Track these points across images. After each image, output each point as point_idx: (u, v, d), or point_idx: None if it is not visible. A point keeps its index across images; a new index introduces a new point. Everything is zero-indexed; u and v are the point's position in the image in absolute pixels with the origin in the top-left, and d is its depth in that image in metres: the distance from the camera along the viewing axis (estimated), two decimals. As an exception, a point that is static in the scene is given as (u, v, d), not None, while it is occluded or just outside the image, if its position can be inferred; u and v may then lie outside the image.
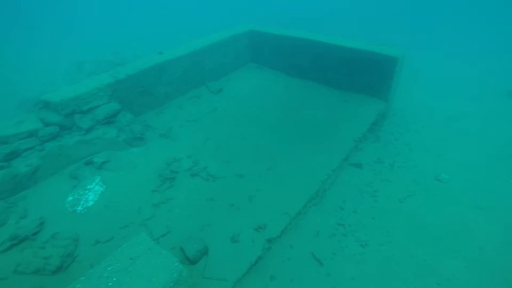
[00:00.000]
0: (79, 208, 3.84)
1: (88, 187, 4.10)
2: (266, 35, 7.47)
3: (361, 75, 6.35)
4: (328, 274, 3.53)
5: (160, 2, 18.22)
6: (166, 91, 6.27)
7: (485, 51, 11.07)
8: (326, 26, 13.95)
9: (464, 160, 5.37)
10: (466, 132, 6.24)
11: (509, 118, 6.77)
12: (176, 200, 4.09)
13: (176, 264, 2.40)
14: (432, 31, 13.47)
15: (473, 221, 4.16)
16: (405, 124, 6.56)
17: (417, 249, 3.74)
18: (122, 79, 5.45)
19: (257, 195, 4.14)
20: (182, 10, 17.42)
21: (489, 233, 3.98)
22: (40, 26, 13.97)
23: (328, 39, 6.61)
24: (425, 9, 16.11)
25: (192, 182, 4.37)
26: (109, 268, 2.37)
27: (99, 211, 3.91)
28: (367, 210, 4.33)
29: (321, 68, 6.90)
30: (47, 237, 3.46)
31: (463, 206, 4.39)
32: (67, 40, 12.17)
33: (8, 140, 4.36)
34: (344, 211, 4.30)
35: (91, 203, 3.94)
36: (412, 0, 17.03)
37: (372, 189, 4.71)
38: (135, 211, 3.92)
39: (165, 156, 4.88)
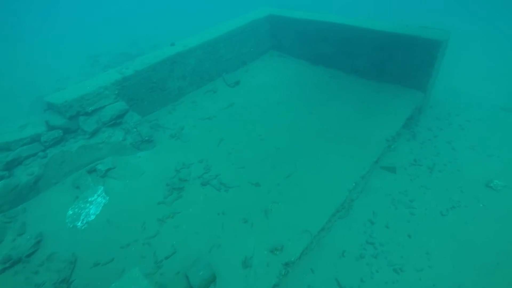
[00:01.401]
0: (79, 223, 3.53)
1: (90, 199, 3.78)
2: (287, 20, 6.80)
3: (396, 62, 5.58)
4: (356, 305, 3.01)
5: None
6: (179, 86, 5.83)
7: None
8: (353, 7, 12.88)
9: (521, 161, 4.56)
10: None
11: None
12: (184, 214, 3.69)
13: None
14: None
15: (535, 241, 3.45)
16: (446, 117, 5.75)
17: (466, 279, 3.12)
18: (130, 75, 5.07)
19: (274, 209, 3.64)
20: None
21: (556, 258, 3.28)
22: (55, 20, 13.87)
23: (357, 23, 5.86)
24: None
25: (202, 192, 3.94)
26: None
27: (101, 226, 3.58)
28: (402, 225, 3.72)
29: (349, 56, 6.17)
30: (43, 259, 3.18)
31: (522, 222, 3.67)
32: (83, 33, 12.01)
33: (11, 147, 4.11)
34: (375, 226, 3.72)
35: (92, 217, 3.62)
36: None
37: (408, 198, 4.07)
38: (139, 227, 3.56)
39: (174, 161, 4.47)
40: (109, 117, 4.63)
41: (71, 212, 3.65)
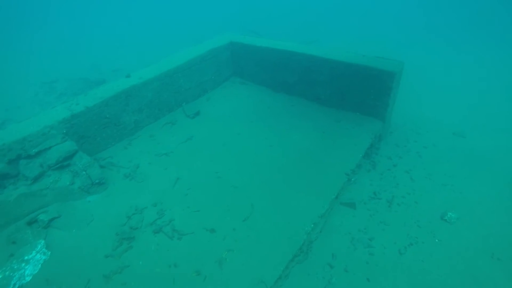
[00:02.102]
0: (10, 289, 3.19)
1: (27, 257, 3.45)
2: (248, 47, 6.76)
3: (354, 91, 5.65)
4: None
5: (140, 11, 17.39)
6: (135, 119, 5.59)
7: (494, 46, 10.25)
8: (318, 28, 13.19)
9: (474, 190, 4.68)
10: (474, 151, 5.55)
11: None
12: (133, 268, 3.44)
13: None
14: (431, 25, 12.66)
15: (489, 277, 3.48)
16: (404, 143, 5.86)
17: (422, 328, 3.08)
18: (80, 112, 4.79)
19: (229, 258, 3.48)
20: (165, 16, 16.63)
21: (508, 296, 3.32)
22: (6, 40, 13.12)
23: (316, 52, 5.91)
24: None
25: (154, 242, 3.71)
26: None
27: (38, 289, 3.27)
28: (360, 268, 3.66)
29: (310, 84, 6.19)
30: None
31: (476, 256, 3.72)
32: (39, 55, 11.41)
33: None
34: (334, 270, 3.64)
35: (28, 278, 3.29)
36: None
37: (367, 236, 4.03)
38: (82, 287, 3.28)
39: (127, 204, 4.22)
40: (55, 159, 4.32)
41: (0, 276, 3.29)
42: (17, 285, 3.21)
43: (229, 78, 7.37)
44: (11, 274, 3.28)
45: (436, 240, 3.93)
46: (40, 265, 3.43)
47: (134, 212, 4.07)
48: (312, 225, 3.82)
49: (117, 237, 3.77)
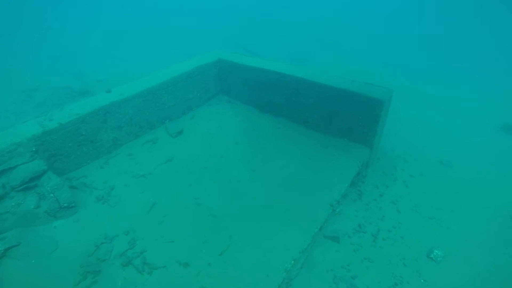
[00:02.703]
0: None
1: (-26, 294, 3.11)
2: (237, 66, 6.61)
3: (342, 117, 5.52)
4: None
5: (131, 22, 17.22)
6: (114, 137, 5.32)
7: (479, 75, 10.42)
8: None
9: (460, 225, 4.55)
10: (460, 182, 5.46)
11: (507, 160, 6.02)
12: (95, 308, 3.14)
13: None
14: (422, 55, 12.82)
15: (476, 326, 3.30)
16: (392, 171, 5.74)
17: None
18: (53, 129, 4.50)
19: (201, 298, 3.22)
20: (159, 29, 16.50)
21: None
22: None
23: (304, 74, 5.78)
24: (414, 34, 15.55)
25: (122, 276, 3.42)
26: None
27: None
28: (342, 310, 3.44)
29: (298, 106, 6.05)
30: None
31: (462, 301, 3.54)
32: (24, 61, 11.01)
33: None
34: (314, 313, 3.41)
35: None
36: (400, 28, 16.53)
37: (350, 274, 3.83)
38: (36, 329, 2.96)
39: (97, 232, 3.92)
40: (20, 180, 4.01)
41: None
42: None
43: (215, 96, 7.18)
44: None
45: (422, 281, 3.75)
46: (-10, 302, 3.10)
47: (104, 241, 3.78)
48: (293, 262, 3.59)
49: (81, 269, 3.47)
